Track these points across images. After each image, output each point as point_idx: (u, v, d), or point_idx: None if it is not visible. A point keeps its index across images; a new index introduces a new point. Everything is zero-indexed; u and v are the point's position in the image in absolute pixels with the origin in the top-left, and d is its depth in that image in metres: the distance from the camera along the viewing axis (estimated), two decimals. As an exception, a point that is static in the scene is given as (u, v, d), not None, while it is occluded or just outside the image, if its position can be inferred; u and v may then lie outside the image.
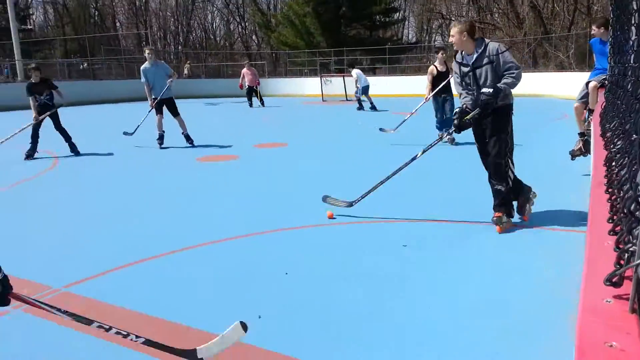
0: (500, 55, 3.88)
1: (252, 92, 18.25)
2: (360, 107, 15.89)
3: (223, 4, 57.15)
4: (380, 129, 9.19)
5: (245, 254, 3.78)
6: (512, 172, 4.13)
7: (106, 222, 4.67)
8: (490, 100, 3.88)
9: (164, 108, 8.81)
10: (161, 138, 8.93)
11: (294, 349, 2.44)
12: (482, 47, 3.93)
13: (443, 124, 8.41)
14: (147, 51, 8.63)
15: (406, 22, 45.60)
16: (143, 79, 8.68)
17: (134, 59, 33.07)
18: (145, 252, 3.76)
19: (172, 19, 56.06)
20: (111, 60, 34.22)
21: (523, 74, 3.97)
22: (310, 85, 25.09)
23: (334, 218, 4.50)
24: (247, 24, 57.84)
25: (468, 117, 4.07)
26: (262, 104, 18.23)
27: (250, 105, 18.14)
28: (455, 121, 4.11)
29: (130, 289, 3.19)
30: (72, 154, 8.42)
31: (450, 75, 7.78)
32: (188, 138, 9.04)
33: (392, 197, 5.00)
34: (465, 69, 4.06)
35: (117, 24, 55.22)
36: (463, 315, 2.73)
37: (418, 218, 4.48)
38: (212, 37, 59.10)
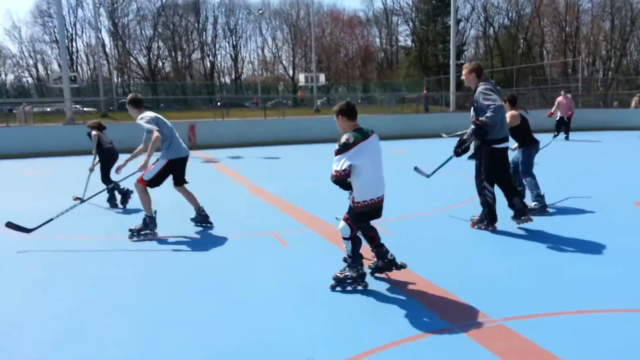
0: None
1: (562, 124, 16.58)
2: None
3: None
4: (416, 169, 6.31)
5: None
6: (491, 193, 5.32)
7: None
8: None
9: None
10: None
11: None
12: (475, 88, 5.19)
13: None
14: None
15: None
16: None
17: (556, 89, 32.39)
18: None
19: (605, 43, 51.78)
20: (534, 90, 34.58)
21: None
22: None
23: None
24: None
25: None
26: (567, 137, 16.65)
27: (555, 136, 15.40)
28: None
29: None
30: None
31: None
32: None
33: None
34: None
35: (544, 53, 55.17)
36: None
37: None
38: (654, 59, 51.48)
